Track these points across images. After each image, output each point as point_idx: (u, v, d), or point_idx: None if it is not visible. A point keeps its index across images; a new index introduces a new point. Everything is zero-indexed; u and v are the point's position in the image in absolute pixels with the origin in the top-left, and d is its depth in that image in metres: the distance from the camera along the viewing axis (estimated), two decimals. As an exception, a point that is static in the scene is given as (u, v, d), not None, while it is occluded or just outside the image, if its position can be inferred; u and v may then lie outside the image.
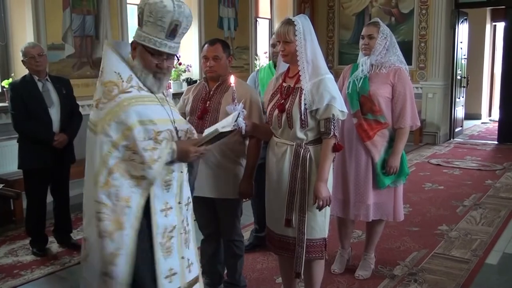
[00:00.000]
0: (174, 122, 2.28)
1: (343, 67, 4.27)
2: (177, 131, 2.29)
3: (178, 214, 2.29)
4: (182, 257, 2.32)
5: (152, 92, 2.25)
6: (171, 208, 2.25)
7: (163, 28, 2.14)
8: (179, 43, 2.24)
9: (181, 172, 2.29)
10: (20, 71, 4.89)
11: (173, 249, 2.27)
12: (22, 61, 4.08)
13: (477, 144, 9.36)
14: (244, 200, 3.22)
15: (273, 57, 4.03)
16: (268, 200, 2.96)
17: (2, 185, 1.84)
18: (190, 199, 2.41)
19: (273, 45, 4.01)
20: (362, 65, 3.51)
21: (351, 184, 3.50)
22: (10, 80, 5.07)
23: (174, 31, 2.17)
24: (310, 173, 2.76)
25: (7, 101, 4.89)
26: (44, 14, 5.34)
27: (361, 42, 3.54)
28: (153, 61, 2.19)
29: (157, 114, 2.21)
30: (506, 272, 3.83)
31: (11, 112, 4.06)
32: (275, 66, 3.97)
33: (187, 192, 2.36)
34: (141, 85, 2.21)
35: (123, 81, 2.16)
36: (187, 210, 2.37)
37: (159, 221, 2.20)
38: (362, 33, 3.55)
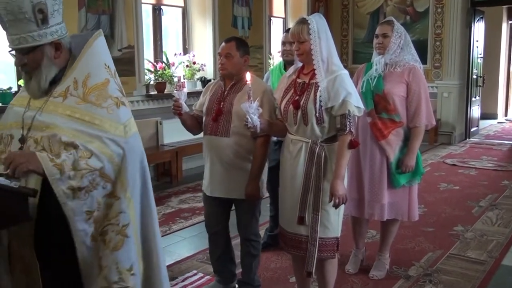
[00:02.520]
0: (26, 128, 2.00)
1: (357, 66, 4.24)
2: (23, 139, 1.99)
3: None
4: None
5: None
6: None
7: None
8: (21, 33, 1.91)
9: None
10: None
11: None
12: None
13: (493, 144, 9.26)
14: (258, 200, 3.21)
15: (283, 55, 3.99)
16: (281, 198, 2.95)
17: (18, 183, 1.85)
18: None
19: (283, 43, 3.96)
20: (376, 64, 3.49)
21: (365, 183, 3.48)
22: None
23: (1, 21, 1.92)
24: (325, 171, 2.74)
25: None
26: (60, 13, 5.37)
27: (375, 41, 3.52)
28: None
29: (10, 117, 2.09)
30: (523, 273, 3.79)
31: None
32: (285, 66, 3.94)
33: None
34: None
35: None
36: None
37: None
38: (376, 32, 3.53)
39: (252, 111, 2.66)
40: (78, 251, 1.96)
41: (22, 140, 1.99)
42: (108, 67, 2.10)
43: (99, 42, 2.11)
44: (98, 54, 2.10)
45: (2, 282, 2.10)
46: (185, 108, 3.07)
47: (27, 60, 1.96)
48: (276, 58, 8.46)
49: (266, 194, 4.25)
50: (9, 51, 1.99)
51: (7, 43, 1.96)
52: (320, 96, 2.68)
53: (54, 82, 2.03)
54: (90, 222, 1.95)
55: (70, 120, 1.94)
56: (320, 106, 2.69)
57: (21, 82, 5.16)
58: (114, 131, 1.98)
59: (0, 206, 1.77)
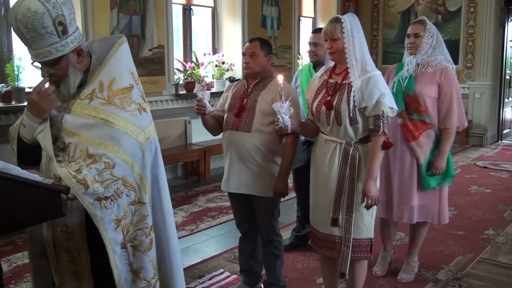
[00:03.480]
0: (60, 129, 2.07)
1: (387, 66, 4.19)
2: (55, 138, 2.07)
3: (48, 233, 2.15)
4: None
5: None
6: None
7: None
8: (44, 47, 1.96)
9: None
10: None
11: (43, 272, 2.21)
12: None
13: (526, 147, 9.06)
14: (282, 199, 3.19)
15: (310, 57, 3.97)
16: (313, 198, 2.92)
17: (52, 180, 1.91)
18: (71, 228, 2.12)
19: (309, 44, 3.94)
20: (407, 65, 3.44)
21: (395, 185, 3.44)
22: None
23: (23, 39, 1.97)
24: (359, 172, 2.72)
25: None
26: (92, 13, 5.47)
27: (406, 40, 3.48)
28: None
29: None
30: (557, 279, 3.69)
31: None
32: (314, 67, 3.93)
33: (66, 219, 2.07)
34: None
35: None
36: (68, 239, 2.12)
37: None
38: (408, 32, 3.48)
39: (283, 111, 2.66)
40: (110, 258, 2.02)
41: (56, 139, 2.05)
42: (132, 73, 2.18)
43: (124, 48, 2.18)
44: (123, 60, 2.17)
45: (40, 264, 2.24)
46: (209, 108, 3.11)
47: (54, 71, 2.02)
48: (305, 58, 8.44)
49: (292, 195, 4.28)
50: (32, 63, 2.05)
51: (30, 58, 2.02)
52: (353, 96, 2.66)
53: (80, 85, 2.11)
54: (119, 230, 2.02)
55: (95, 121, 2.01)
56: (354, 106, 2.67)
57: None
58: (136, 136, 2.06)
59: (34, 202, 1.81)
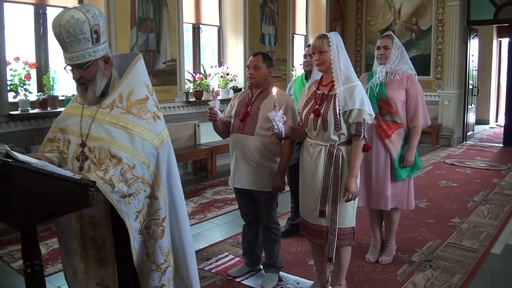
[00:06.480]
0: (84, 136, 2.06)
1: (369, 77, 4.19)
2: (84, 144, 2.06)
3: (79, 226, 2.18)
4: (85, 272, 2.22)
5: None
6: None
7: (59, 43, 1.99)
8: (79, 51, 1.95)
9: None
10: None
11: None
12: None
13: (485, 147, 9.03)
14: (279, 193, 3.18)
15: (304, 66, 4.00)
16: (302, 194, 2.91)
17: (80, 175, 1.90)
18: (100, 220, 2.13)
19: (305, 56, 3.98)
20: (378, 73, 3.43)
21: (373, 178, 3.43)
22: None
23: (62, 43, 1.96)
24: (342, 170, 2.71)
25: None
26: (115, 32, 5.45)
27: (376, 52, 3.46)
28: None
29: (70, 125, 2.13)
30: (508, 260, 3.70)
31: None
32: (306, 76, 3.93)
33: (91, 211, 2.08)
34: (79, 98, 2.15)
35: None
36: (94, 228, 2.14)
37: None
38: (377, 44, 3.46)
39: (277, 119, 2.66)
40: (131, 243, 2.05)
41: (83, 145, 2.06)
42: (148, 86, 2.16)
43: (140, 64, 2.17)
44: (140, 74, 2.16)
45: (75, 253, 2.25)
46: (220, 115, 3.09)
47: (84, 73, 2.00)
48: (298, 69, 8.42)
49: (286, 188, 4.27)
50: (65, 67, 2.04)
51: (64, 61, 2.01)
52: (338, 101, 2.65)
53: (103, 95, 2.10)
54: (138, 220, 2.05)
55: (116, 128, 2.01)
56: (339, 113, 2.66)
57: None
58: (151, 140, 2.05)
59: (65, 195, 1.82)
